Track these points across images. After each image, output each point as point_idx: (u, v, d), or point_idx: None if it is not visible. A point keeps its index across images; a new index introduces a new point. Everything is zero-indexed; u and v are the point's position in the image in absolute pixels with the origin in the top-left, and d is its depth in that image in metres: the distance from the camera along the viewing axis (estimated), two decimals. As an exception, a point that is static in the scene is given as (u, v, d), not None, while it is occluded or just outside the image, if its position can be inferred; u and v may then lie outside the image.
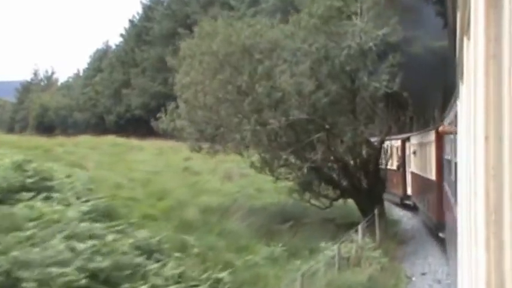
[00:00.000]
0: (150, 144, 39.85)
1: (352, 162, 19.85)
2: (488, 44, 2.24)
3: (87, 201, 12.28)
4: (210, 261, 13.18)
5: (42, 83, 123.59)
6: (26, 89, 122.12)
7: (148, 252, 11.66)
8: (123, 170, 26.36)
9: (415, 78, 31.87)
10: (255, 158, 19.59)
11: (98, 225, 10.43)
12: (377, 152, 19.99)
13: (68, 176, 15.45)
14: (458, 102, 7.03)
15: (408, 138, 25.83)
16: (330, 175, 20.03)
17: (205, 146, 19.80)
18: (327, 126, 17.26)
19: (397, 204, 27.58)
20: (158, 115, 19.86)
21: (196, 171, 28.84)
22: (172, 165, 29.70)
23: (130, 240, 10.88)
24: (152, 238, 12.29)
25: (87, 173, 16.72)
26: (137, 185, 23.73)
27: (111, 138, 41.54)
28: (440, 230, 17.12)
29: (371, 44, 17.95)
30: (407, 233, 21.96)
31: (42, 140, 35.35)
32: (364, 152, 19.08)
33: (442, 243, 17.50)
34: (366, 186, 20.34)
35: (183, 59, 19.26)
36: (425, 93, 38.47)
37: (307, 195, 19.56)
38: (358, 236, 15.63)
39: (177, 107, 19.32)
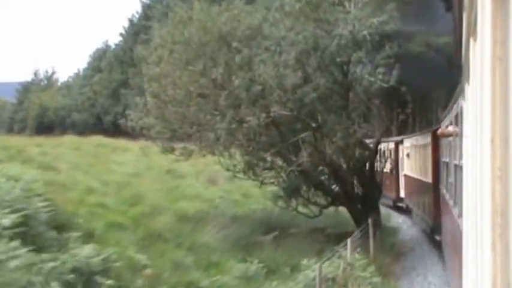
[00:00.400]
0: (139, 145, 37.75)
1: (344, 165, 17.79)
2: (494, 45, 2.25)
3: (18, 210, 10.22)
4: (168, 283, 11.13)
5: (42, 83, 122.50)
6: (26, 89, 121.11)
7: (86, 274, 9.63)
8: (100, 173, 24.37)
9: (416, 75, 30.00)
10: (236, 160, 17.55)
11: (12, 244, 8.35)
12: (372, 154, 17.91)
13: (12, 180, 13.37)
14: (463, 104, 6.67)
15: (401, 141, 25.43)
16: (320, 180, 17.95)
17: (179, 146, 17.73)
18: (313, 125, 15.17)
19: (390, 207, 26.77)
20: (127, 112, 17.82)
21: (180, 174, 26.75)
22: (155, 168, 27.59)
23: (51, 265, 8.80)
24: (96, 256, 10.25)
25: (29, 175, 14.50)
26: (112, 189, 21.73)
27: (97, 139, 39.51)
28: (436, 232, 16.86)
29: (365, 32, 15.89)
30: (406, 244, 19.85)
31: (21, 140, 33.43)
32: (357, 154, 16.95)
33: (442, 253, 15.88)
34: (360, 193, 18.29)
35: (154, 49, 17.24)
36: (428, 91, 36.43)
37: (293, 203, 17.48)
38: (347, 251, 13.53)
39: (146, 103, 17.26)
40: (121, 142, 38.59)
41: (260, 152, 15.93)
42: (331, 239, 18.15)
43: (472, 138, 4.31)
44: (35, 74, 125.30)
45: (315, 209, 18.22)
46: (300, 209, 17.77)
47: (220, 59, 15.01)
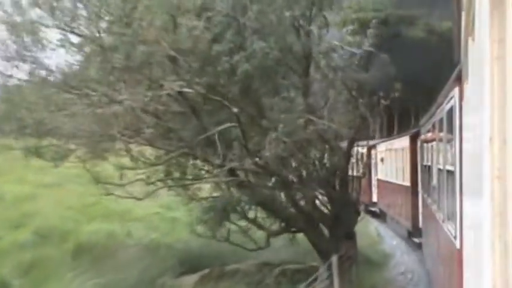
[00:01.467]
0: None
1: (304, 173, 12.26)
2: (492, 45, 2.27)
3: None
4: None
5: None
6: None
7: None
8: (4, 182, 19.05)
9: (414, 62, 24.88)
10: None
11: None
12: (344, 159, 12.33)
13: None
14: (463, 104, 5.76)
15: (374, 146, 24.84)
16: (268, 195, 12.39)
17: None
18: (235, 110, 9.62)
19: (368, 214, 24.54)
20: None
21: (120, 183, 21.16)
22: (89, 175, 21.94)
23: None
24: None
25: None
26: (3, 205, 16.44)
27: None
28: (415, 235, 16.84)
29: (327, -29, 10.47)
30: (394, 283, 14.28)
31: None
32: (317, 158, 11.40)
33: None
34: (327, 213, 12.81)
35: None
36: (429, 82, 31.17)
37: (223, 230, 11.91)
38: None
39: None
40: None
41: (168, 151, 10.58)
42: (285, 278, 12.76)
43: (470, 138, 4.17)
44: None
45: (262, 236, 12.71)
46: (236, 237, 12.22)
47: (89, 8, 9.49)
